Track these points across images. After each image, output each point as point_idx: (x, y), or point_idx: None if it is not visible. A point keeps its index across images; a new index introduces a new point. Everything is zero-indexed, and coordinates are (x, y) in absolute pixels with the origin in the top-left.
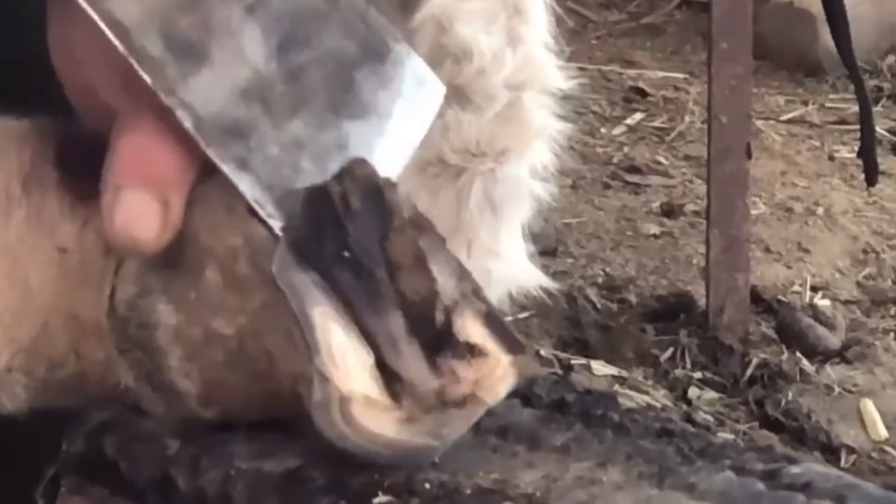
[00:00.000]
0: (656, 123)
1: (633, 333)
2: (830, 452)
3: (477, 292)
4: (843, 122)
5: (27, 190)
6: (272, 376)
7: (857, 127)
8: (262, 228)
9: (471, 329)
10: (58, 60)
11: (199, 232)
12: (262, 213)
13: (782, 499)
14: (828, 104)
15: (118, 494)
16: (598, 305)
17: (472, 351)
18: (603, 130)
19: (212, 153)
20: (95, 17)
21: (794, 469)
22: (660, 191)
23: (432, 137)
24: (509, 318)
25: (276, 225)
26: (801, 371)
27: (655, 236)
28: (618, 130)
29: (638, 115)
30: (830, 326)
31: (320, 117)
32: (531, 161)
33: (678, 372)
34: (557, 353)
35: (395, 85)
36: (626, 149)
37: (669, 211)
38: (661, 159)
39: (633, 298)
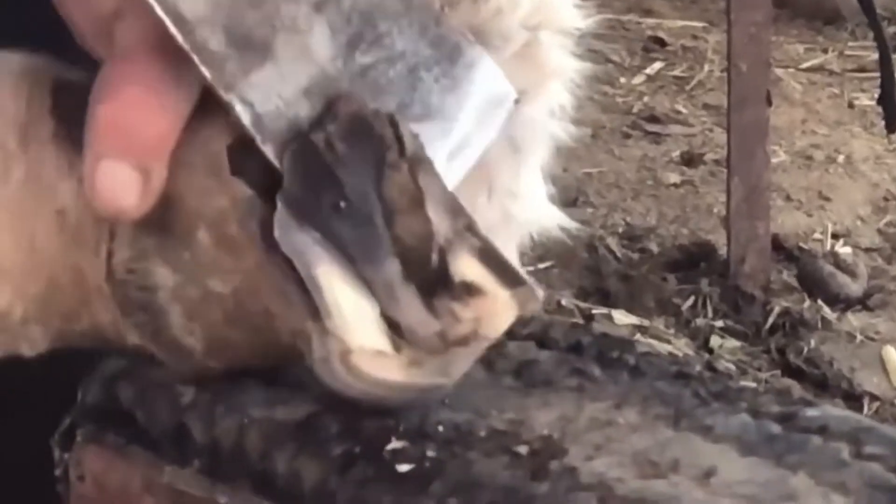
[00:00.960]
0: (676, 72)
1: (654, 283)
2: (853, 400)
3: (471, 227)
4: (862, 69)
5: (24, 144)
6: (273, 331)
7: (877, 74)
8: (247, 189)
9: (466, 268)
10: None
11: (186, 195)
12: None
13: (798, 441)
14: (847, 52)
15: (134, 443)
16: (619, 255)
17: (470, 290)
18: (622, 80)
19: (268, 151)
20: (159, 11)
21: (811, 412)
22: (680, 140)
23: None
24: (516, 259)
25: None
26: (823, 319)
27: (676, 185)
28: (637, 80)
29: (657, 65)
30: (852, 274)
31: None
32: (549, 101)
33: (700, 321)
34: (578, 302)
35: (464, 88)
36: (645, 98)
37: (690, 160)
38: (681, 108)
39: (654, 247)
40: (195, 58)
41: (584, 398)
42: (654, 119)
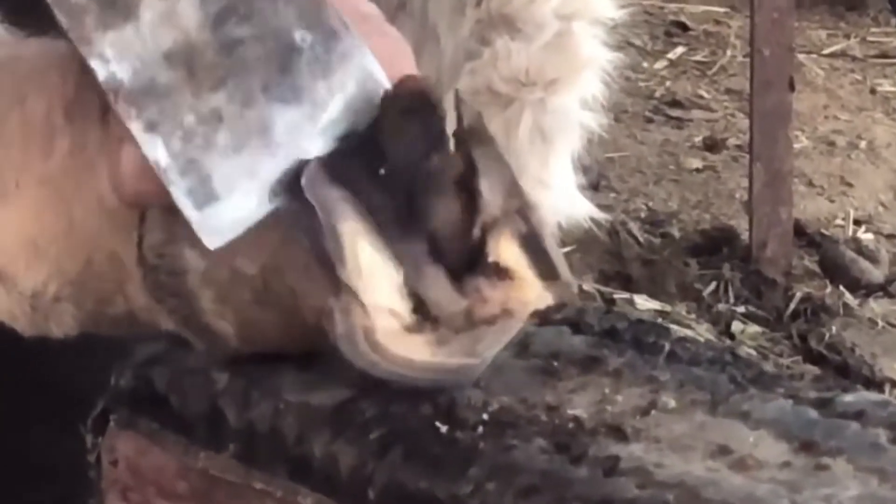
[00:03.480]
0: (698, 57)
1: (676, 267)
2: (874, 386)
3: (523, 211)
4: (884, 55)
5: (70, 119)
6: (298, 312)
7: None
8: None
9: (504, 251)
10: None
11: None
12: (163, 178)
13: (836, 426)
14: (870, 38)
15: (168, 428)
16: (641, 239)
17: (501, 273)
18: (645, 64)
19: (121, 110)
20: None
21: (848, 397)
22: (702, 125)
23: (482, 66)
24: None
25: (178, 194)
26: (845, 305)
27: (698, 170)
28: (660, 65)
29: (679, 49)
30: (874, 260)
31: (247, 94)
32: (581, 91)
33: (721, 306)
34: (600, 287)
35: (337, 78)
36: (668, 83)
37: (712, 145)
38: (703, 93)
39: (675, 232)
40: (53, 7)
41: (620, 383)
42: (676, 104)
